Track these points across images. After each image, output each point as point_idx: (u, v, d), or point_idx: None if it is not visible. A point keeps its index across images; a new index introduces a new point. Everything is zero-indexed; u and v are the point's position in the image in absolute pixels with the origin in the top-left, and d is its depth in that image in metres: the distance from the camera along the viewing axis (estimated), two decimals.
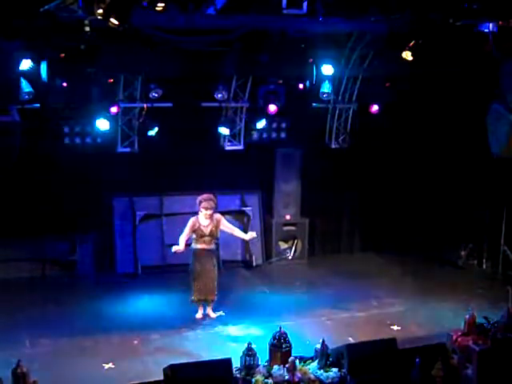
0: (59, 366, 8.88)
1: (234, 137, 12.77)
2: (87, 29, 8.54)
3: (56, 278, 12.15)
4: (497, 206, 12.79)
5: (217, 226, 10.45)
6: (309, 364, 8.64)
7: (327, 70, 11.70)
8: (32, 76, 10.45)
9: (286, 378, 8.30)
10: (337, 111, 13.23)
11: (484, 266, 13.13)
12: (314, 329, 10.11)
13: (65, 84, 11.04)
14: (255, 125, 12.61)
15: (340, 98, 13.03)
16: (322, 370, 8.50)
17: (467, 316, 9.22)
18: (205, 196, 10.42)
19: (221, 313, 10.67)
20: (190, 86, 11.78)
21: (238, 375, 8.34)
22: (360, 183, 13.56)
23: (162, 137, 11.99)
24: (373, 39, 11.49)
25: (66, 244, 12.41)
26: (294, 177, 13.29)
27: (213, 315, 10.62)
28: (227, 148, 12.77)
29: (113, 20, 7.83)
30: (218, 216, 10.54)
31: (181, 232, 10.41)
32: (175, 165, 12.55)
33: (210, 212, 10.33)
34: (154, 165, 12.44)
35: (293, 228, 13.50)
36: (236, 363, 8.43)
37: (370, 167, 13.51)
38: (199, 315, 10.58)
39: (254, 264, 13.07)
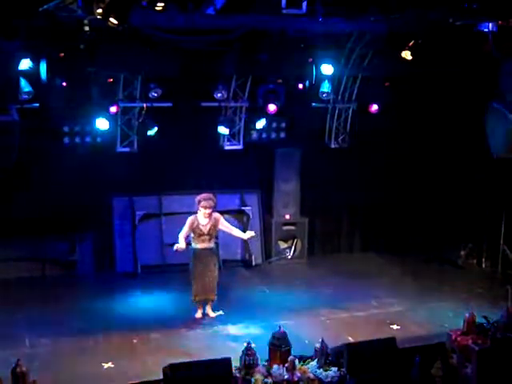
0: (59, 366, 8.89)
1: (233, 136, 12.78)
2: (87, 28, 8.54)
3: (56, 278, 12.16)
4: (496, 206, 12.79)
5: (215, 225, 10.46)
6: (308, 363, 8.64)
7: (327, 69, 11.71)
8: (31, 75, 10.45)
9: (286, 377, 8.30)
10: (336, 111, 13.23)
11: (483, 266, 13.14)
12: (314, 328, 10.11)
13: (64, 83, 11.04)
14: (255, 124, 12.62)
15: (340, 97, 13.04)
16: (321, 370, 8.51)
17: (467, 315, 9.22)
18: (204, 195, 10.43)
19: (220, 312, 10.67)
20: (190, 86, 11.78)
21: (238, 374, 8.34)
22: (359, 183, 13.55)
23: (161, 136, 11.99)
24: (372, 39, 11.50)
25: (66, 244, 12.42)
26: (294, 176, 13.29)
27: (212, 315, 10.62)
28: (227, 147, 12.78)
29: (112, 20, 7.84)
30: (216, 215, 10.54)
31: (180, 231, 10.41)
32: (175, 164, 12.55)
33: (208, 211, 10.34)
34: (153, 164, 12.45)
35: (292, 227, 13.51)
36: (235, 362, 8.43)
37: (369, 167, 13.51)
38: (199, 315, 10.59)
39: (254, 263, 13.08)
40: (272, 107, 12.17)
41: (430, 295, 11.50)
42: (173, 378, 8.01)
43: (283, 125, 13.08)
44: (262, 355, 8.62)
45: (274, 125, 13.00)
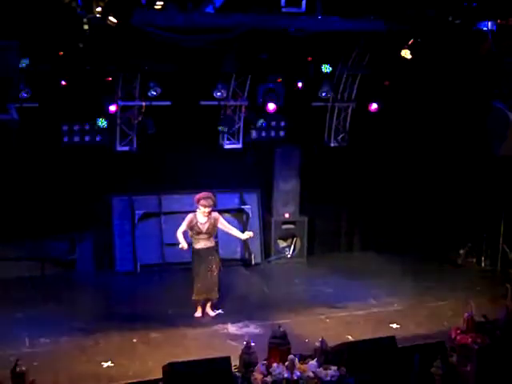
0: (58, 365, 8.87)
1: (232, 135, 12.77)
2: (86, 27, 8.54)
3: (56, 277, 12.14)
4: (496, 205, 12.79)
5: (214, 224, 10.45)
6: (308, 362, 8.63)
7: (326, 68, 11.72)
8: (31, 74, 10.46)
9: (285, 376, 8.29)
10: (336, 110, 13.24)
11: (483, 264, 13.14)
12: (313, 327, 10.11)
13: (63, 82, 11.05)
14: (254, 123, 12.61)
15: (339, 96, 13.05)
16: (320, 368, 8.50)
17: (466, 314, 9.23)
18: (203, 194, 10.43)
19: (219, 311, 10.67)
20: (189, 85, 11.79)
21: (237, 373, 8.34)
22: (359, 182, 13.55)
23: (160, 135, 12.00)
24: (372, 38, 11.50)
25: (66, 243, 12.41)
26: (293, 175, 13.28)
27: (212, 313, 10.63)
28: (226, 146, 12.78)
29: (111, 18, 7.85)
30: (215, 215, 10.54)
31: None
32: (174, 163, 12.54)
33: (208, 210, 10.33)
34: (152, 163, 12.44)
35: (292, 226, 13.50)
36: (235, 361, 8.43)
37: (369, 166, 13.51)
38: (198, 314, 10.59)
39: (253, 262, 13.07)
40: (271, 106, 12.18)
41: (430, 294, 11.51)
42: (172, 377, 8.01)
43: (283, 124, 13.09)
44: (262, 354, 8.62)
45: (274, 124, 13.01)
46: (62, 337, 9.68)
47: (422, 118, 13.01)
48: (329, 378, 8.38)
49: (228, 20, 9.41)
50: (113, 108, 11.66)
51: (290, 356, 8.44)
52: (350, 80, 12.94)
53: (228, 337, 9.89)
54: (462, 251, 13.21)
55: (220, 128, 12.45)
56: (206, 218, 10.39)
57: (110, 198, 12.61)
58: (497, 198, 12.74)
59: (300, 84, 12.42)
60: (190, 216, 10.43)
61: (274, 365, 8.42)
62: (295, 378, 8.28)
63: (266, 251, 13.37)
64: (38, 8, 8.73)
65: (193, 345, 9.59)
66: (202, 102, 12.25)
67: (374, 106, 12.81)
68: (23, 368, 7.90)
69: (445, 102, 12.63)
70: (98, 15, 8.01)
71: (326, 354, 8.67)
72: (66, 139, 11.85)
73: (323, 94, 12.35)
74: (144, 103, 11.69)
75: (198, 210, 10.42)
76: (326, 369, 8.47)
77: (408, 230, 13.64)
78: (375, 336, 9.27)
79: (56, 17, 8.66)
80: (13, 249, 11.95)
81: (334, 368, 8.47)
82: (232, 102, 12.47)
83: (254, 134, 12.93)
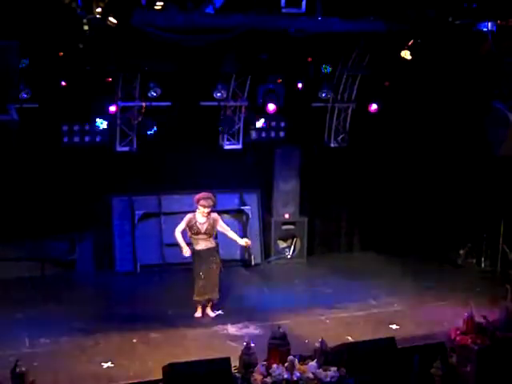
0: (58, 365, 8.87)
1: (232, 136, 12.77)
2: (86, 27, 8.54)
3: (55, 278, 12.14)
4: (495, 205, 12.79)
5: (213, 225, 10.45)
6: (308, 363, 8.63)
7: (326, 69, 11.72)
8: (31, 75, 10.46)
9: (285, 377, 8.29)
10: (336, 110, 13.24)
11: (483, 265, 13.14)
12: (313, 328, 10.11)
13: (63, 83, 11.05)
14: (254, 124, 12.61)
15: (339, 97, 13.05)
16: (320, 369, 8.50)
17: (466, 315, 9.22)
18: (203, 194, 10.43)
19: (219, 312, 10.67)
20: (189, 85, 11.79)
21: (237, 374, 8.34)
22: (359, 182, 13.56)
23: (160, 136, 12.01)
24: (372, 38, 11.50)
25: (66, 243, 12.41)
26: (293, 176, 13.28)
27: (212, 314, 10.63)
28: (226, 147, 12.78)
29: (111, 19, 7.85)
30: (215, 215, 10.54)
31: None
32: (174, 164, 12.54)
33: (207, 210, 10.33)
34: (152, 164, 12.44)
35: (292, 227, 13.50)
36: (235, 362, 8.43)
37: (369, 166, 13.52)
38: (198, 314, 10.59)
39: (253, 263, 13.07)
40: (271, 107, 12.19)
41: (430, 295, 11.51)
42: (172, 378, 8.01)
43: (282, 124, 13.09)
44: (262, 355, 8.62)
45: (274, 124, 13.01)
46: (62, 337, 9.68)
47: (421, 118, 13.01)
48: (329, 379, 8.37)
49: (228, 20, 9.41)
50: (113, 108, 11.67)
51: (290, 357, 8.43)
52: (350, 81, 12.94)
53: (228, 337, 9.88)
54: (461, 252, 13.21)
55: (220, 128, 12.45)
56: (205, 219, 10.39)
57: (110, 199, 12.61)
58: (497, 199, 12.74)
59: (300, 84, 12.42)
60: (189, 216, 10.43)
61: (274, 366, 8.41)
62: (295, 378, 8.28)
63: (266, 252, 13.37)
64: (37, 8, 8.73)
65: (193, 345, 9.59)
66: (202, 103, 12.25)
67: (374, 106, 12.83)
68: (23, 368, 7.88)
69: (445, 103, 12.63)
70: (98, 16, 8.01)
71: (326, 355, 8.66)
72: (65, 139, 11.86)
73: (323, 95, 12.34)
74: (144, 104, 11.69)
75: (197, 209, 10.42)
76: (325, 370, 8.47)
77: (408, 230, 13.64)
78: (375, 337, 9.27)
79: (56, 17, 8.66)
80: (13, 249, 11.95)
81: (333, 369, 8.46)
82: (232, 103, 12.47)
83: (253, 134, 12.94)
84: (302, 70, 12.15)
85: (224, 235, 10.83)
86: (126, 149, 12.18)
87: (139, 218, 12.66)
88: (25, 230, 11.86)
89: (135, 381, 8.48)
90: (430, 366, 8.55)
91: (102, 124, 11.50)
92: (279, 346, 8.62)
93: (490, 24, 9.96)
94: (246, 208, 13.23)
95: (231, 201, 13.18)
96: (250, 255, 13.03)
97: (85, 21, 8.52)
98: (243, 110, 12.64)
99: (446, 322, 10.14)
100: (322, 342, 8.71)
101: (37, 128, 11.55)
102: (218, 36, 9.65)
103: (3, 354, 8.85)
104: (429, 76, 12.03)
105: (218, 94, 11.95)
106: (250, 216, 13.20)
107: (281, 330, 8.74)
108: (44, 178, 11.91)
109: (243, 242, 10.81)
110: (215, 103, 12.31)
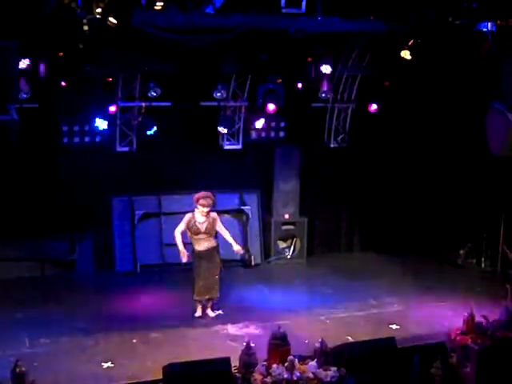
0: (58, 365, 8.87)
1: (232, 136, 12.77)
2: (86, 28, 8.54)
3: (55, 278, 12.14)
4: (495, 205, 12.79)
5: (213, 224, 10.44)
6: (308, 363, 8.63)
7: (326, 69, 11.72)
8: (31, 75, 10.45)
9: (285, 376, 8.30)
10: (335, 110, 13.23)
11: (483, 265, 13.13)
12: (313, 328, 10.10)
13: (63, 83, 11.05)
14: (254, 124, 12.61)
15: (339, 97, 13.04)
16: (320, 369, 8.50)
17: (466, 315, 9.22)
18: (202, 193, 10.43)
19: (219, 312, 10.67)
20: (189, 85, 11.78)
21: (237, 374, 8.34)
22: (359, 182, 13.55)
23: (160, 136, 12.01)
24: (372, 38, 11.50)
25: (66, 243, 12.41)
26: (293, 176, 13.28)
27: (212, 314, 10.62)
28: (226, 147, 12.78)
29: (111, 19, 7.85)
30: (214, 215, 10.54)
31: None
32: (174, 164, 12.55)
33: (206, 209, 10.33)
34: (152, 164, 12.45)
35: (292, 227, 13.49)
36: (235, 362, 8.43)
37: (368, 166, 13.51)
38: (198, 314, 10.59)
39: (253, 263, 13.06)
40: (271, 107, 12.18)
41: (430, 295, 11.50)
42: (172, 378, 8.01)
43: (282, 124, 13.08)
44: (262, 355, 8.62)
45: (274, 124, 13.00)
46: (62, 337, 9.67)
47: (421, 118, 13.01)
48: (329, 379, 8.38)
49: (228, 20, 9.42)
50: (113, 109, 11.66)
51: (290, 357, 8.44)
52: (350, 81, 12.93)
53: (228, 337, 9.88)
54: (462, 252, 13.21)
55: (220, 128, 12.46)
56: (204, 218, 10.38)
57: (110, 199, 12.61)
58: (497, 199, 12.74)
59: (300, 85, 12.42)
60: (188, 215, 10.43)
61: (274, 365, 8.42)
62: (295, 378, 8.29)
63: (266, 252, 13.37)
64: (38, 8, 8.73)
65: (193, 345, 9.58)
66: (202, 103, 12.25)
67: (374, 106, 12.82)
68: (23, 368, 7.90)
69: (444, 103, 12.63)
70: (98, 16, 8.02)
71: (326, 355, 8.66)
72: (65, 140, 11.85)
73: (323, 95, 12.34)
74: (144, 104, 11.69)
75: (196, 209, 10.42)
76: (325, 370, 8.48)
77: (408, 230, 13.64)
78: (375, 337, 9.28)
79: (56, 17, 8.66)
80: (13, 249, 11.95)
81: (333, 369, 8.47)
82: (232, 103, 12.46)
83: (253, 134, 12.93)
84: (301, 70, 12.15)
85: (220, 236, 10.84)
86: (126, 149, 12.17)
87: (139, 218, 12.66)
88: (25, 230, 11.85)
89: (135, 381, 8.49)
90: (430, 366, 8.57)
91: (101, 124, 11.48)
92: (279, 346, 8.63)
93: (489, 24, 9.96)
94: (245, 208, 13.23)
95: (231, 201, 13.18)
96: (249, 255, 13.03)
97: (85, 21, 8.52)
98: (243, 110, 12.64)
99: (446, 322, 10.14)
100: (322, 342, 8.71)
101: (37, 128, 11.55)
102: (217, 36, 9.66)
103: (3, 354, 8.86)
104: (429, 76, 12.03)
105: (218, 94, 11.94)
106: (250, 216, 13.20)
107: (281, 330, 8.75)
108: (44, 177, 11.91)
109: (237, 247, 10.76)
110: (215, 103, 12.31)
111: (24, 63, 10.04)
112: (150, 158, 12.36)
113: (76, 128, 11.86)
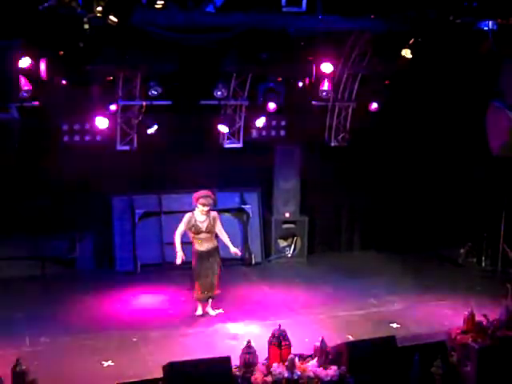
0: (59, 364, 8.89)
1: (233, 134, 12.77)
2: (86, 26, 8.54)
3: (56, 276, 12.14)
4: (496, 204, 12.79)
5: (214, 223, 10.44)
6: (308, 362, 8.63)
7: (326, 67, 11.72)
8: (31, 74, 10.45)
9: (286, 375, 8.29)
10: (336, 109, 13.22)
11: (483, 264, 13.12)
12: (314, 327, 10.12)
13: (64, 82, 11.04)
14: (254, 123, 12.61)
15: (339, 96, 13.03)
16: (321, 368, 8.50)
17: (466, 314, 9.22)
18: (202, 192, 10.42)
19: (220, 310, 10.67)
20: (189, 84, 11.77)
21: (238, 373, 8.34)
22: (359, 181, 13.55)
23: (161, 135, 12.00)
24: (372, 37, 11.49)
25: (66, 242, 12.42)
26: (294, 174, 13.28)
27: (212, 313, 10.63)
28: (226, 146, 12.78)
29: (112, 18, 7.84)
30: (214, 214, 10.53)
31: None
32: (174, 163, 12.53)
33: (206, 208, 10.32)
34: (153, 163, 12.44)
35: (292, 226, 13.50)
36: (235, 361, 8.43)
37: (369, 165, 13.51)
38: (198, 313, 10.59)
39: (254, 262, 13.07)
40: (272, 105, 12.17)
41: (430, 293, 11.50)
42: (172, 377, 8.01)
43: (283, 123, 13.09)
44: (262, 354, 8.62)
45: (274, 123, 13.01)
46: (63, 336, 9.68)
47: (422, 117, 13.00)
48: (329, 378, 8.38)
49: (228, 19, 9.42)
50: (113, 107, 11.66)
51: (290, 356, 8.43)
52: (351, 79, 12.92)
53: (228, 336, 9.89)
54: (462, 251, 13.21)
55: (220, 127, 12.46)
56: (204, 217, 10.37)
57: (110, 198, 12.61)
58: (497, 198, 12.74)
59: (300, 83, 12.41)
60: (187, 216, 10.41)
61: (274, 365, 8.42)
62: (295, 377, 8.28)
63: (267, 250, 13.37)
64: (38, 8, 8.72)
65: (193, 344, 9.59)
66: (203, 102, 12.24)
67: (375, 105, 12.81)
68: (24, 367, 7.91)
69: (445, 102, 12.63)
70: (98, 14, 8.00)
71: (326, 354, 8.66)
72: (66, 138, 11.87)
73: (323, 94, 12.34)
74: (144, 102, 11.69)
75: (196, 208, 10.41)
76: (326, 368, 8.47)
77: (408, 229, 13.64)
78: (375, 336, 9.27)
79: (56, 16, 8.65)
80: (13, 248, 11.96)
81: (334, 368, 8.47)
82: (232, 102, 12.46)
83: (254, 133, 12.93)
84: (302, 69, 12.14)
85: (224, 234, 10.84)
86: (127, 148, 12.17)
87: (139, 217, 12.66)
88: (25, 229, 11.87)
89: (135, 380, 8.48)
90: (430, 365, 8.55)
91: (102, 123, 11.48)
92: (279, 345, 8.62)
93: (490, 23, 9.96)
94: (246, 207, 13.22)
95: (232, 199, 13.19)
96: (250, 254, 13.04)
97: (85, 20, 8.51)
98: (244, 108, 12.63)
99: (446, 321, 10.16)
100: (323, 341, 8.70)
101: (37, 127, 11.55)
102: (218, 35, 9.66)
103: (4, 353, 8.86)
104: (429, 75, 12.02)
105: (219, 93, 11.93)
106: (251, 215, 13.20)
107: (281, 329, 8.74)
108: (44, 176, 11.90)
109: (234, 250, 10.74)
110: (216, 102, 12.30)
111: (24, 62, 10.02)
112: (151, 157, 12.35)
113: (76, 127, 11.89)
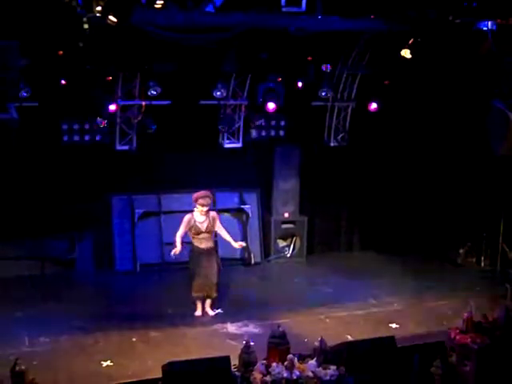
0: (58, 364, 8.88)
1: (232, 135, 12.77)
2: (86, 26, 8.53)
3: (55, 276, 12.14)
4: (495, 204, 12.79)
5: (213, 223, 10.46)
6: (307, 362, 8.63)
7: (326, 67, 11.71)
8: (30, 74, 10.45)
9: (285, 375, 8.30)
10: (335, 109, 13.23)
11: (482, 264, 13.13)
12: (313, 327, 10.11)
13: (63, 82, 11.05)
14: (254, 123, 12.61)
15: (339, 96, 13.04)
16: (320, 368, 8.50)
17: (466, 314, 9.22)
18: (201, 193, 10.43)
19: (219, 310, 10.67)
20: (189, 84, 11.78)
21: (237, 373, 8.34)
22: (359, 181, 13.55)
23: (160, 135, 12.00)
24: (372, 37, 11.49)
25: (65, 242, 12.41)
26: (293, 175, 13.28)
27: (211, 313, 10.63)
28: (226, 146, 12.77)
29: (111, 17, 7.84)
30: (214, 214, 10.56)
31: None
32: (174, 162, 12.55)
33: (206, 209, 10.34)
34: (152, 162, 12.45)
35: (291, 226, 13.50)
36: (234, 361, 8.43)
37: (368, 165, 13.51)
38: (198, 313, 10.59)
39: (253, 262, 13.06)
40: (271, 105, 12.16)
41: (430, 294, 11.50)
42: (172, 376, 8.01)
43: (282, 123, 13.08)
44: (261, 354, 8.62)
45: (274, 123, 13.00)
46: (62, 336, 9.68)
47: (421, 117, 13.01)
48: (328, 378, 8.38)
49: (228, 19, 9.41)
50: (113, 107, 11.65)
51: (290, 355, 8.44)
52: (350, 79, 12.93)
53: (227, 336, 9.88)
54: (461, 251, 13.21)
55: (220, 127, 12.46)
56: (204, 217, 10.39)
57: (110, 197, 12.61)
58: (497, 198, 12.74)
59: (300, 83, 12.41)
60: (187, 217, 10.42)
61: (274, 364, 8.42)
62: (294, 377, 8.29)
63: (266, 251, 13.37)
64: (37, 7, 8.72)
65: (192, 344, 9.59)
66: (202, 102, 12.24)
67: (374, 105, 12.81)
68: (23, 367, 7.91)
69: (445, 102, 12.63)
70: (98, 14, 7.99)
71: (326, 354, 8.67)
72: (65, 138, 11.86)
73: (323, 94, 12.34)
74: (144, 102, 11.68)
75: (195, 208, 10.42)
76: (325, 368, 8.48)
77: (408, 229, 13.64)
78: (375, 336, 9.27)
79: (56, 16, 8.66)
80: (13, 248, 11.95)
81: (333, 367, 8.47)
82: (232, 102, 12.46)
83: (253, 133, 12.93)
84: (301, 69, 12.14)
85: (220, 236, 10.85)
86: (126, 148, 12.17)
87: (139, 217, 12.66)
88: (25, 229, 11.86)
89: (135, 379, 8.49)
90: (429, 365, 8.57)
91: (101, 123, 11.48)
92: (279, 345, 8.63)
93: (490, 23, 9.95)
94: (245, 207, 13.22)
95: (231, 199, 13.19)
96: (249, 254, 13.04)
97: (85, 19, 8.50)
98: (243, 108, 12.63)
99: (445, 321, 10.15)
100: (322, 341, 8.72)
101: (37, 127, 11.55)
102: (217, 35, 9.64)
103: (3, 353, 8.86)
104: (429, 75, 12.02)
105: (218, 93, 11.93)
106: (250, 215, 13.20)
107: (280, 329, 8.75)
108: (44, 176, 11.90)
109: (237, 244, 10.78)
110: (215, 102, 12.30)
111: (24, 62, 10.02)
112: (150, 157, 12.36)
113: (76, 126, 11.87)
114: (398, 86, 12.69)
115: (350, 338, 9.53)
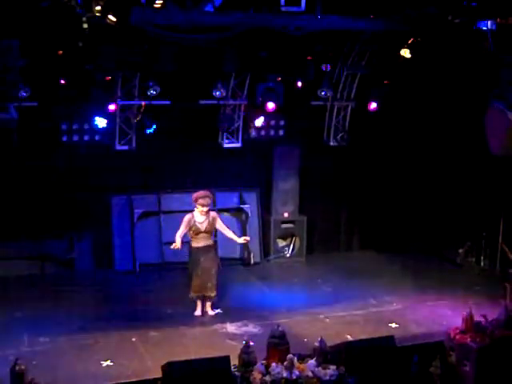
0: (58, 364, 8.87)
1: (232, 134, 12.76)
2: (85, 26, 8.54)
3: (55, 276, 12.14)
4: (495, 204, 12.79)
5: (213, 223, 10.46)
6: (307, 362, 8.63)
7: (326, 67, 11.71)
8: (30, 73, 10.44)
9: (284, 375, 8.30)
10: (335, 109, 13.22)
11: (482, 264, 13.12)
12: (312, 326, 10.11)
13: (63, 81, 11.04)
14: (253, 122, 12.60)
15: (338, 95, 13.03)
16: (319, 368, 8.50)
17: (465, 313, 9.22)
18: (201, 193, 10.43)
19: (219, 310, 10.67)
20: (188, 84, 11.77)
21: (237, 373, 8.34)
22: (358, 181, 13.55)
23: (160, 134, 11.99)
24: (371, 37, 11.49)
25: (65, 242, 12.41)
26: (293, 174, 13.28)
27: (211, 313, 10.62)
28: (225, 145, 12.77)
29: (111, 17, 7.85)
30: (213, 214, 10.56)
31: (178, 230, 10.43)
32: (173, 162, 12.55)
33: (206, 209, 10.34)
34: (151, 162, 12.45)
35: (291, 225, 13.49)
36: (234, 361, 8.43)
37: (368, 165, 13.51)
38: (197, 313, 10.59)
39: (252, 262, 13.06)
40: (271, 105, 12.16)
41: (429, 293, 11.50)
42: (171, 376, 8.01)
43: (282, 123, 13.06)
44: (261, 353, 8.62)
45: (273, 123, 12.99)
46: (61, 336, 9.67)
47: (421, 117, 13.00)
48: (328, 378, 8.39)
49: (227, 19, 9.41)
50: (112, 107, 11.65)
51: (289, 355, 8.44)
52: (350, 79, 12.92)
53: (227, 336, 9.88)
54: (461, 250, 13.19)
55: (220, 126, 12.45)
56: (204, 217, 10.39)
57: (109, 197, 12.61)
58: (496, 198, 12.73)
59: (299, 83, 12.41)
60: (187, 217, 10.42)
61: (273, 364, 8.42)
62: (294, 377, 8.29)
63: (265, 250, 13.36)
64: (37, 7, 8.72)
65: (192, 344, 9.58)
66: (202, 101, 12.23)
67: (374, 105, 12.81)
68: (22, 367, 7.90)
69: (444, 102, 12.62)
70: (97, 14, 8.01)
71: (325, 354, 8.67)
72: (65, 138, 11.84)
73: (322, 93, 12.34)
74: (143, 102, 11.68)
75: (195, 208, 10.42)
76: (324, 368, 8.48)
77: (407, 229, 13.64)
78: (374, 335, 9.27)
79: (55, 16, 8.66)
80: (12, 247, 11.95)
81: (332, 367, 8.48)
82: (231, 101, 12.45)
83: (253, 132, 12.92)
84: (301, 69, 12.14)
85: (222, 234, 10.84)
86: (126, 147, 12.16)
87: (138, 217, 12.65)
88: (24, 229, 11.87)
89: (134, 379, 8.48)
90: (429, 365, 8.57)
91: (101, 123, 11.47)
92: (278, 345, 8.63)
93: (489, 22, 9.95)
94: (245, 207, 13.21)
95: (230, 199, 13.18)
96: (249, 254, 13.03)
97: (84, 19, 8.51)
98: (242, 108, 12.63)
99: (445, 321, 10.16)
100: (321, 341, 8.71)
101: (36, 126, 11.54)
102: (217, 34, 9.65)
103: (2, 353, 8.85)
104: (428, 75, 12.02)
105: (218, 93, 11.93)
106: (250, 215, 13.19)
107: (280, 329, 8.75)
108: (43, 176, 11.90)
109: (241, 240, 10.83)
110: (215, 102, 12.29)
111: (24, 62, 10.02)
112: (150, 157, 12.35)
113: (75, 126, 11.84)
114: (397, 86, 12.69)
115: (349, 337, 9.52)
